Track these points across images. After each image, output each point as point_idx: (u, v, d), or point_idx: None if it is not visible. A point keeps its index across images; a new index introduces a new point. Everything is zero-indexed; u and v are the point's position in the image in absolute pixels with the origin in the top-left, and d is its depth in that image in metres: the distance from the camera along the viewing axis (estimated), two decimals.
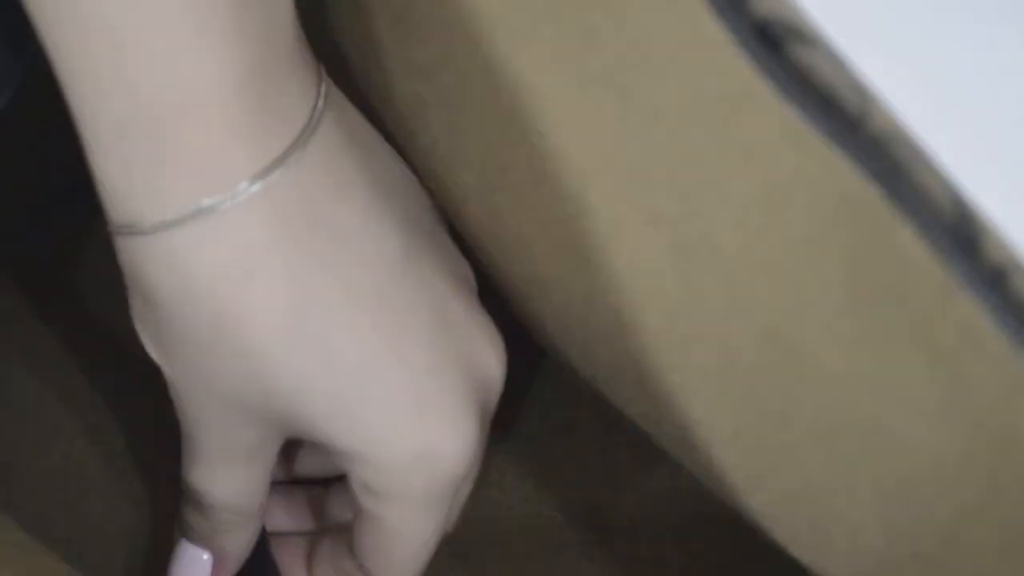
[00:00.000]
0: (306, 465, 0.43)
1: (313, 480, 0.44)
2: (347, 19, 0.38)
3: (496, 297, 0.41)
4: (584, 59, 0.30)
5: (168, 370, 0.36)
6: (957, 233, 0.27)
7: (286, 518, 0.43)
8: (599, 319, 0.35)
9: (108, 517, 0.43)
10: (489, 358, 0.38)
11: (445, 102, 0.36)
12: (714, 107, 0.28)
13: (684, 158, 0.30)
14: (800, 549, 0.35)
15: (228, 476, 0.38)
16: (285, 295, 0.33)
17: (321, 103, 0.34)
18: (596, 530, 0.45)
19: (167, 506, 0.43)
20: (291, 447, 0.43)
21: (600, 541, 0.45)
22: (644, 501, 0.45)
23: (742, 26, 0.26)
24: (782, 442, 0.33)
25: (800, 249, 0.29)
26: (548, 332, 0.39)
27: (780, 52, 0.26)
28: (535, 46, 0.32)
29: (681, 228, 0.31)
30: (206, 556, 0.40)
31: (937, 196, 0.27)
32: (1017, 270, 0.27)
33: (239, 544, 0.40)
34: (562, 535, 0.45)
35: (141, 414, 0.44)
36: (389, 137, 0.39)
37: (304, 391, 0.35)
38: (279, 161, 0.33)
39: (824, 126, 0.26)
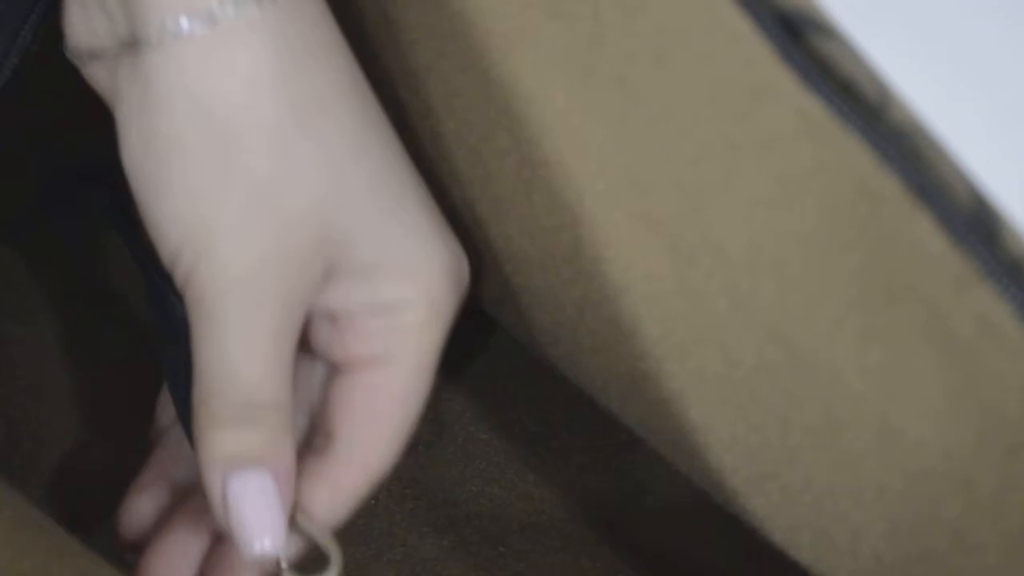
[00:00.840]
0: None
1: None
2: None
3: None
4: (590, 58, 0.30)
5: (218, 232, 0.34)
6: (976, 225, 0.27)
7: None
8: (592, 329, 0.35)
9: (111, 507, 0.43)
10: None
11: (432, 111, 0.36)
12: (732, 98, 0.28)
13: (692, 156, 0.30)
14: (800, 551, 0.35)
15: (281, 350, 0.35)
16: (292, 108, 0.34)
17: None
18: (597, 527, 0.45)
19: None
20: None
21: (601, 538, 0.45)
22: (647, 496, 0.45)
23: (764, 15, 0.26)
24: (783, 444, 0.33)
25: (813, 242, 0.29)
26: (539, 344, 0.39)
27: (801, 42, 0.26)
28: (535, 49, 0.32)
29: (683, 231, 0.31)
30: (269, 475, 0.35)
31: (956, 188, 0.27)
32: None
33: (291, 452, 0.36)
34: (563, 532, 0.45)
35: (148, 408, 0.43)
36: None
37: (357, 205, 0.35)
38: None
39: (846, 115, 0.26)
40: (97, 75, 0.35)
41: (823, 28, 0.26)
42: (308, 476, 0.37)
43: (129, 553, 0.40)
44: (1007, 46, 0.31)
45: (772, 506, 0.35)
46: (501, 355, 0.47)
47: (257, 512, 0.35)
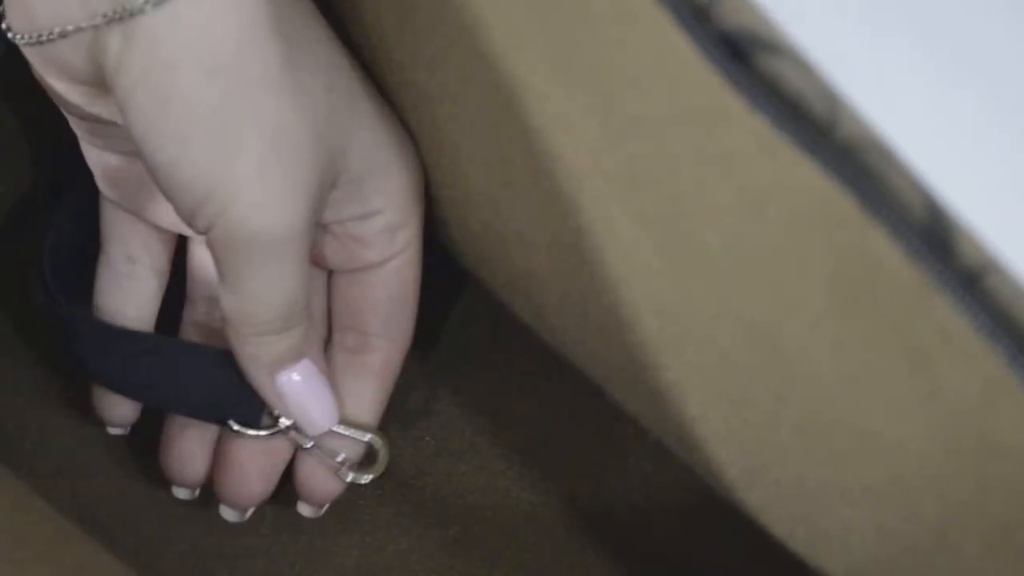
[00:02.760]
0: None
1: None
2: (352, 9, 0.38)
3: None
4: (570, 66, 0.31)
5: (244, 180, 0.35)
6: (930, 235, 0.27)
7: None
8: (596, 314, 0.35)
9: (114, 496, 0.44)
10: None
11: (449, 95, 0.36)
12: (689, 119, 0.28)
13: (666, 165, 0.30)
14: (797, 544, 0.36)
15: (307, 262, 0.38)
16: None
17: None
18: (603, 519, 0.45)
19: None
20: None
21: (607, 530, 0.45)
22: (651, 491, 0.45)
23: (709, 40, 0.26)
24: (774, 440, 0.34)
25: (781, 254, 0.29)
26: (548, 327, 0.40)
27: (748, 63, 0.26)
28: (527, 48, 0.32)
29: (669, 230, 0.31)
30: (310, 363, 0.40)
31: (909, 199, 0.26)
32: (992, 270, 0.27)
33: (315, 337, 0.41)
34: (568, 524, 0.45)
35: None
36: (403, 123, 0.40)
37: (345, 122, 0.38)
38: None
39: (794, 134, 0.26)
40: (63, 54, 0.35)
41: (770, 45, 0.26)
42: (358, 373, 0.42)
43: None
44: (1012, 46, 0.31)
45: (768, 499, 0.35)
46: (509, 348, 0.47)
47: (309, 394, 0.40)
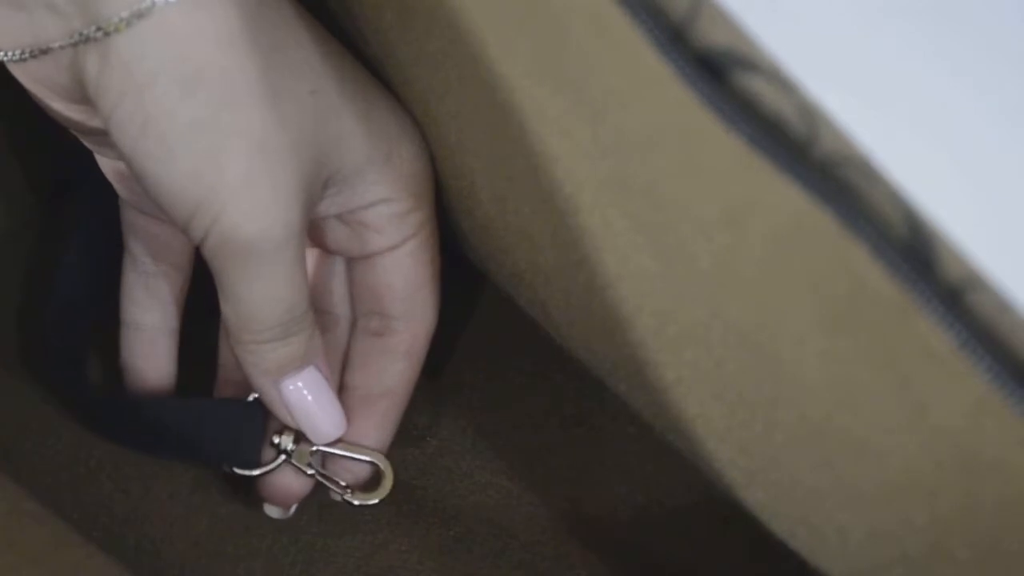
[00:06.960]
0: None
1: None
2: (355, 8, 0.38)
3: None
4: (556, 77, 0.31)
5: (231, 190, 0.35)
6: (912, 252, 0.26)
7: None
8: (598, 311, 0.35)
9: (114, 496, 0.44)
10: None
11: (450, 92, 0.36)
12: (668, 136, 0.28)
13: (652, 177, 0.30)
14: (798, 544, 0.36)
15: (303, 265, 0.38)
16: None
17: None
18: (604, 519, 0.45)
19: (175, 484, 0.44)
20: None
21: (608, 530, 0.45)
22: (651, 491, 0.45)
23: (684, 62, 0.26)
24: (769, 442, 0.34)
25: (765, 268, 0.29)
26: (553, 322, 0.40)
27: (724, 82, 0.26)
28: (518, 56, 0.32)
29: (661, 237, 0.32)
30: (315, 370, 0.40)
31: (890, 217, 0.26)
32: (976, 286, 0.27)
33: (321, 343, 0.40)
34: (569, 524, 0.45)
35: None
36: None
37: (336, 119, 0.38)
38: None
39: (771, 152, 0.26)
40: (47, 73, 0.36)
41: (747, 63, 0.26)
42: (384, 354, 0.42)
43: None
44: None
45: (768, 499, 0.35)
46: (511, 348, 0.47)
47: (315, 403, 0.40)
